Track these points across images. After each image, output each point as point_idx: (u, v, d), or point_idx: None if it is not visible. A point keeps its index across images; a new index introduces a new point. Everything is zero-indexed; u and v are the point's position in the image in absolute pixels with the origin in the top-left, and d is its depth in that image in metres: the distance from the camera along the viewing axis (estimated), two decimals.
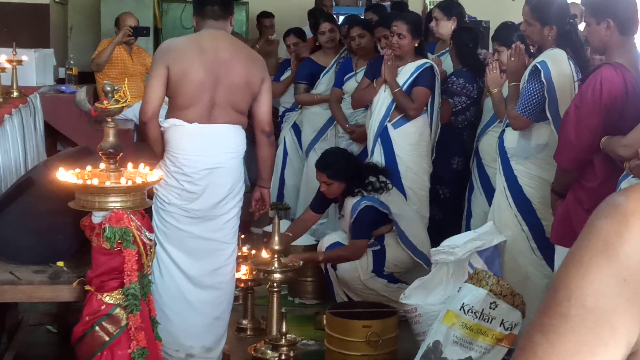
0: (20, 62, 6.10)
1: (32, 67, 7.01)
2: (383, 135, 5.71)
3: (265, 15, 9.15)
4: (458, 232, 5.11)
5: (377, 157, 5.71)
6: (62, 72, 7.90)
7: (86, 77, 7.82)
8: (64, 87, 7.10)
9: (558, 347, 0.99)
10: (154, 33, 9.00)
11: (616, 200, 1.02)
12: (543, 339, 1.00)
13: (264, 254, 4.81)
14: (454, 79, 5.85)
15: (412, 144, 5.68)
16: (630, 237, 0.98)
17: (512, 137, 4.73)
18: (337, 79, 6.61)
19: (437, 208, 5.94)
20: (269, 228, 5.60)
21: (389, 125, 5.71)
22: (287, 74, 7.27)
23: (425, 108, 5.71)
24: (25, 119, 5.82)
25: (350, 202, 5.35)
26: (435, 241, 4.92)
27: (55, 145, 7.17)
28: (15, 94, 6.04)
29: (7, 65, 5.86)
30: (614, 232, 0.99)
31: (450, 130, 5.88)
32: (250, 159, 6.63)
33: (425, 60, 5.73)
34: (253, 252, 5.39)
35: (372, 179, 5.37)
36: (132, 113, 6.53)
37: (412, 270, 5.31)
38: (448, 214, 5.93)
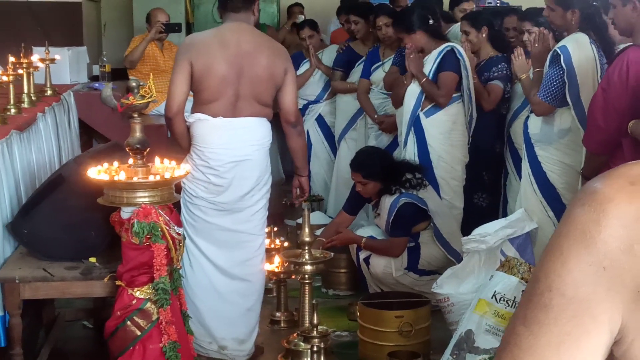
0: (53, 60, 6.17)
1: (66, 65, 7.10)
2: (416, 124, 5.63)
3: (295, 5, 9.22)
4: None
5: (410, 147, 5.64)
6: (96, 70, 7.98)
7: (120, 74, 7.88)
8: (97, 85, 7.16)
9: (541, 338, 0.98)
10: (186, 28, 9.04)
11: (593, 187, 1.00)
12: (526, 330, 0.99)
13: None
14: (505, 64, 5.75)
15: (444, 133, 5.59)
16: (607, 224, 0.96)
17: (535, 123, 4.71)
18: (364, 70, 6.58)
19: (483, 194, 5.90)
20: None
21: (421, 114, 5.63)
22: (304, 67, 7.27)
23: (459, 94, 5.62)
24: (59, 116, 5.89)
25: (388, 200, 5.32)
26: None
27: (91, 142, 7.26)
28: (49, 92, 6.12)
29: (40, 64, 5.93)
30: (591, 220, 0.98)
31: (494, 115, 5.83)
32: (284, 151, 6.64)
33: (446, 44, 5.63)
34: (286, 244, 5.40)
35: (408, 175, 5.34)
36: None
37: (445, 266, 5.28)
38: (493, 200, 5.90)
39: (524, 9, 6.35)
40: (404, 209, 5.25)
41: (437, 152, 5.58)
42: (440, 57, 5.57)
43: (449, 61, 5.55)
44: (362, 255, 5.37)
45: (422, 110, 5.62)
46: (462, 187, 5.68)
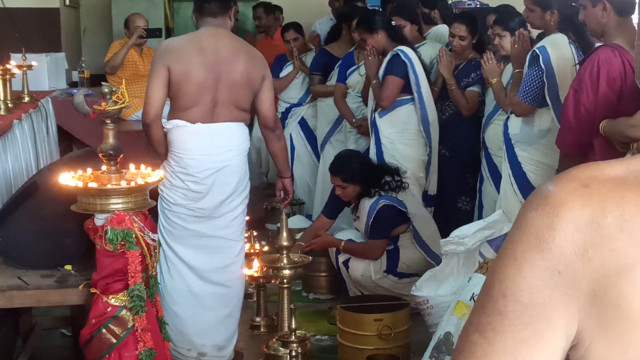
0: (30, 67, 6.13)
1: (44, 71, 7.06)
2: (374, 124, 5.78)
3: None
4: None
5: (372, 146, 5.79)
6: (75, 76, 7.94)
7: (99, 80, 7.82)
8: (75, 91, 7.11)
9: (496, 346, 0.96)
10: (166, 33, 9.01)
11: (545, 190, 0.98)
12: (481, 338, 0.97)
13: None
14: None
15: (395, 133, 5.72)
16: (561, 228, 0.95)
17: (515, 124, 4.71)
18: (339, 74, 6.58)
19: (467, 198, 5.90)
20: None
21: (376, 115, 5.77)
22: (287, 69, 7.26)
23: (409, 97, 5.70)
24: (36, 123, 5.85)
25: (367, 203, 5.31)
26: None
27: (71, 149, 7.20)
28: (26, 99, 6.07)
29: (17, 71, 5.89)
30: (544, 224, 0.96)
31: (475, 118, 5.84)
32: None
33: (396, 48, 5.72)
34: (266, 248, 5.38)
35: (387, 178, 5.34)
36: None
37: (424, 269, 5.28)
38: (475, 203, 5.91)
39: (495, 10, 6.34)
40: (383, 211, 5.24)
41: (390, 152, 5.69)
42: (386, 60, 5.66)
43: (395, 65, 5.67)
44: (341, 258, 5.36)
45: (376, 110, 5.73)
46: (419, 186, 5.70)
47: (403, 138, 5.71)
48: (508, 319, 0.96)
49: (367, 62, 5.76)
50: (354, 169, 5.33)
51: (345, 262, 5.34)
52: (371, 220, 5.24)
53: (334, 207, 5.65)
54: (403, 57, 5.64)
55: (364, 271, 5.27)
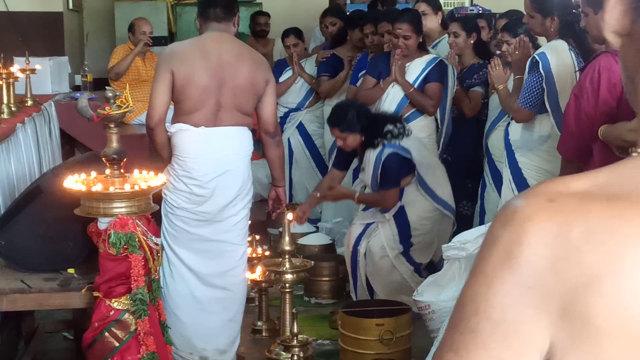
0: (33, 70, 6.15)
1: (47, 75, 7.08)
2: None
3: (261, 15, 9.24)
4: None
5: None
6: (78, 80, 7.96)
7: (102, 84, 7.85)
8: (78, 94, 7.12)
9: None
10: (169, 37, 9.03)
11: (512, 206, 0.98)
12: (455, 357, 0.97)
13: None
14: (486, 71, 5.77)
15: (422, 138, 5.68)
16: (528, 243, 0.95)
17: (516, 130, 4.73)
18: (352, 77, 6.63)
19: (468, 202, 5.90)
20: None
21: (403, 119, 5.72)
22: (287, 74, 7.28)
23: None
24: (39, 127, 5.87)
25: (372, 154, 5.23)
26: None
27: (73, 152, 7.22)
28: (29, 102, 6.09)
29: (21, 75, 5.91)
30: (512, 240, 0.96)
31: (477, 123, 5.85)
32: None
33: (433, 55, 5.77)
34: (267, 253, 5.39)
35: (389, 126, 5.30)
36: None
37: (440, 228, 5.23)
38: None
39: (505, 15, 6.37)
40: (389, 160, 5.18)
41: (415, 157, 5.62)
42: (429, 68, 5.67)
43: (438, 73, 5.69)
44: (362, 249, 5.29)
45: (402, 115, 5.69)
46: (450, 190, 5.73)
47: (430, 143, 5.74)
48: (481, 336, 0.95)
49: (399, 67, 5.71)
50: (351, 118, 5.24)
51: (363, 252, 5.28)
52: (379, 171, 5.19)
53: (341, 158, 5.60)
54: (445, 66, 5.72)
55: (381, 251, 5.20)
